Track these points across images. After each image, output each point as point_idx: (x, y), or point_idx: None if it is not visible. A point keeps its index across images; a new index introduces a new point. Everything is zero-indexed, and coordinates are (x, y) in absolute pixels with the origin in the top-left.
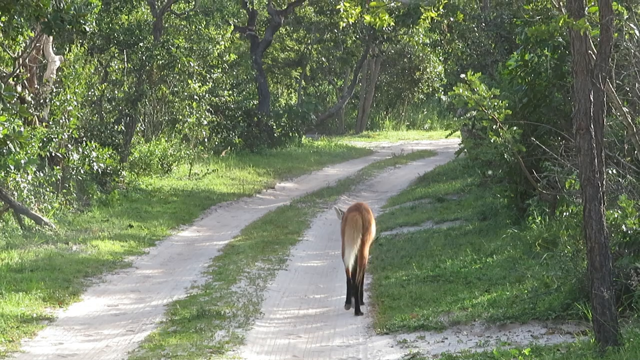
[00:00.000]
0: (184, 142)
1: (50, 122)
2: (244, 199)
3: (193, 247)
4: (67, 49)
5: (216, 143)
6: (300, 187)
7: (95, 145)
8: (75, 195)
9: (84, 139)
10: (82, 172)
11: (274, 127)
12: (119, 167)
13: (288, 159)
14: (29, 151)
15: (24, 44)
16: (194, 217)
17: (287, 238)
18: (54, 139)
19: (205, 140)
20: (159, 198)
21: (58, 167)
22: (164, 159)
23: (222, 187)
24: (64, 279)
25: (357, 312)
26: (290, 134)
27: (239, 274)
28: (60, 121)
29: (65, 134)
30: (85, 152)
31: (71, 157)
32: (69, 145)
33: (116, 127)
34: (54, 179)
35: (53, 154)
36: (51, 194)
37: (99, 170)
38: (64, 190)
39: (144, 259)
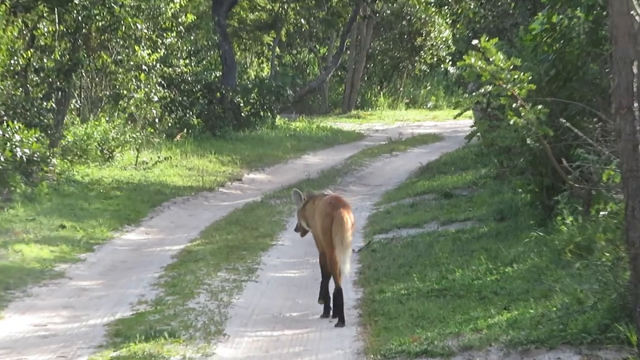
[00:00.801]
0: (129, 123)
1: None
2: (204, 193)
3: (140, 253)
4: None
5: (169, 124)
6: (274, 179)
7: (19, 127)
8: None
9: (5, 118)
10: (1, 159)
11: (241, 104)
12: (48, 153)
13: (259, 144)
14: None
15: None
16: (141, 216)
17: (258, 242)
18: None
19: (156, 120)
20: (98, 192)
21: None
22: (104, 143)
23: (176, 179)
24: None
25: (342, 321)
26: (262, 114)
27: (198, 287)
28: None
29: None
30: (6, 135)
31: None
32: None
33: (45, 104)
34: None
35: None
36: None
37: (23, 157)
38: None
39: (79, 267)
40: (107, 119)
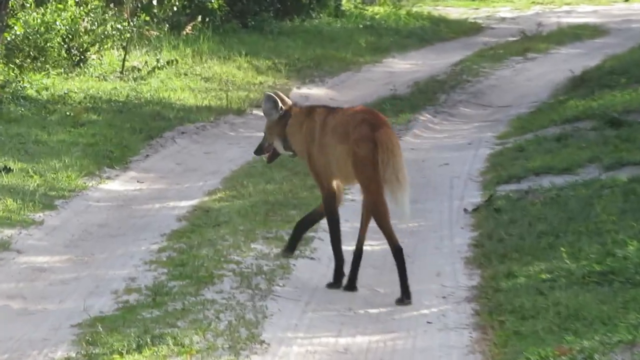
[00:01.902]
0: (111, 6)
1: None
2: (229, 118)
3: (129, 213)
4: None
5: (174, 8)
6: (339, 96)
7: None
8: None
9: None
10: None
11: None
12: None
13: (315, 41)
14: None
15: None
16: (130, 153)
17: (314, 196)
18: None
19: (154, 2)
20: (63, 115)
21: None
22: (72, 39)
23: (186, 95)
24: None
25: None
26: None
27: (220, 267)
28: None
29: None
30: None
31: None
32: None
33: None
34: None
35: None
36: None
37: None
38: None
39: (33, 234)
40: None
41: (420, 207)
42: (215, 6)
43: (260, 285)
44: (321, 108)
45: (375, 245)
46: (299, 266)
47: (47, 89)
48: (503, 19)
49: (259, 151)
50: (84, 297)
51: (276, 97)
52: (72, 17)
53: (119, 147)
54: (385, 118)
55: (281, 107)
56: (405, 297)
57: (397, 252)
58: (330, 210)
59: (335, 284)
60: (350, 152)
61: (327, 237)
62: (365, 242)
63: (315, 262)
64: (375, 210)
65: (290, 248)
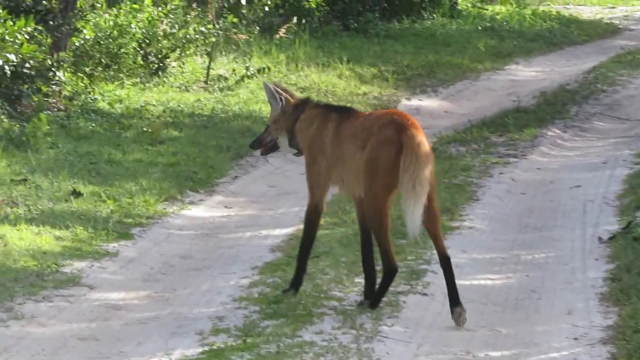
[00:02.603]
0: (193, 6)
1: None
2: None
3: (216, 243)
4: None
5: (266, 9)
6: (454, 108)
7: None
8: None
9: None
10: None
11: None
12: (50, 61)
13: (427, 45)
14: None
15: None
16: (217, 174)
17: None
18: None
19: (243, 2)
20: (140, 132)
21: None
22: (149, 44)
23: None
24: None
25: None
26: None
27: (319, 304)
28: None
29: None
30: None
31: None
32: None
33: None
34: None
35: None
36: None
37: (7, 69)
38: None
39: (106, 267)
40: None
41: (548, 235)
42: (313, 6)
43: (365, 325)
44: (335, 114)
45: (497, 279)
46: (410, 303)
47: (121, 101)
48: None
49: (256, 144)
50: (165, 338)
51: (276, 89)
52: (150, 19)
53: (204, 167)
54: (415, 121)
55: (281, 97)
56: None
57: (391, 273)
58: (312, 223)
59: (290, 289)
60: (369, 154)
61: (440, 271)
62: (491, 276)
63: (428, 298)
64: (374, 220)
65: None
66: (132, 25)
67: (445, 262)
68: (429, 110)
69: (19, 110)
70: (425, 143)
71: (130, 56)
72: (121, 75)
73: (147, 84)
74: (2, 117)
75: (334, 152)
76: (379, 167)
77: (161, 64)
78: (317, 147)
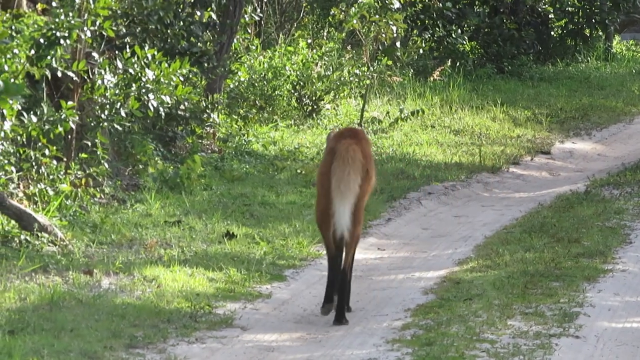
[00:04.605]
0: (348, 48)
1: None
2: (483, 177)
3: (369, 285)
4: None
5: (420, 51)
6: (609, 152)
7: (153, 55)
8: (106, 166)
9: (127, 39)
10: (122, 114)
11: (551, 16)
12: (204, 104)
13: (581, 87)
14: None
15: None
16: (370, 216)
17: (579, 266)
18: (58, 38)
19: (397, 44)
20: (293, 173)
21: (69, 102)
22: (304, 85)
23: (433, 150)
24: (84, 354)
25: (340, 320)
26: (587, 32)
27: (472, 346)
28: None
29: (86, 28)
30: (130, 72)
31: (98, 80)
32: (94, 54)
33: (199, 14)
34: (58, 128)
35: (57, 72)
36: (53, 164)
37: (160, 110)
38: (83, 156)
39: (260, 308)
40: (308, 41)
41: None
42: (467, 48)
43: None
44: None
45: None
46: (562, 346)
47: (275, 143)
48: None
49: None
50: None
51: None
52: (304, 61)
53: None
54: (362, 134)
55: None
56: (340, 320)
57: (338, 271)
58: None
59: (328, 304)
60: (321, 165)
61: (593, 312)
62: (638, 319)
63: (581, 341)
64: (321, 218)
65: (328, 299)
66: (287, 68)
67: (342, 275)
68: (582, 153)
69: (173, 152)
70: (357, 151)
71: (285, 98)
72: (275, 117)
73: (301, 126)
74: (157, 158)
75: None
76: (323, 173)
77: (315, 106)
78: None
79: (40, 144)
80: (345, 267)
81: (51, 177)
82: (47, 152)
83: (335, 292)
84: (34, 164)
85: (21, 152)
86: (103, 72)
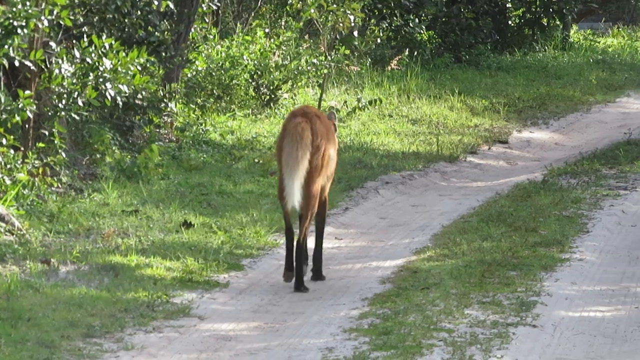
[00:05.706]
0: (305, 37)
1: None
2: (441, 166)
3: (326, 274)
4: None
5: (377, 41)
6: (565, 141)
7: (111, 44)
8: (64, 156)
9: (84, 29)
10: (79, 104)
11: (508, 5)
12: (161, 93)
13: (538, 77)
14: None
15: None
16: (328, 205)
17: (537, 255)
18: (15, 28)
19: (354, 34)
20: (251, 162)
21: (27, 91)
22: (261, 75)
23: (391, 139)
24: (41, 343)
25: (298, 287)
26: (545, 22)
27: (429, 335)
28: None
29: (43, 18)
30: (88, 61)
31: (56, 69)
32: (51, 43)
33: (156, 3)
34: (15, 117)
35: (15, 62)
36: (10, 153)
37: (118, 99)
38: (40, 146)
39: (217, 297)
40: (266, 30)
41: None
42: (425, 38)
43: (474, 357)
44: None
45: (606, 311)
46: (519, 335)
47: (232, 132)
48: None
49: None
50: None
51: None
52: (262, 50)
53: None
54: (314, 111)
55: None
56: (299, 287)
57: (291, 238)
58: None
59: (289, 271)
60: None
61: (550, 302)
62: (601, 308)
63: (538, 330)
64: (279, 192)
65: (289, 267)
66: (244, 57)
67: (297, 246)
68: (540, 142)
69: (130, 141)
70: (306, 129)
71: (242, 88)
72: (233, 106)
73: (258, 116)
74: (114, 148)
75: None
76: (276, 149)
77: (273, 96)
78: None
79: None
80: (299, 239)
81: (8, 166)
82: (4, 141)
83: (294, 260)
84: None
85: None
86: (60, 62)
